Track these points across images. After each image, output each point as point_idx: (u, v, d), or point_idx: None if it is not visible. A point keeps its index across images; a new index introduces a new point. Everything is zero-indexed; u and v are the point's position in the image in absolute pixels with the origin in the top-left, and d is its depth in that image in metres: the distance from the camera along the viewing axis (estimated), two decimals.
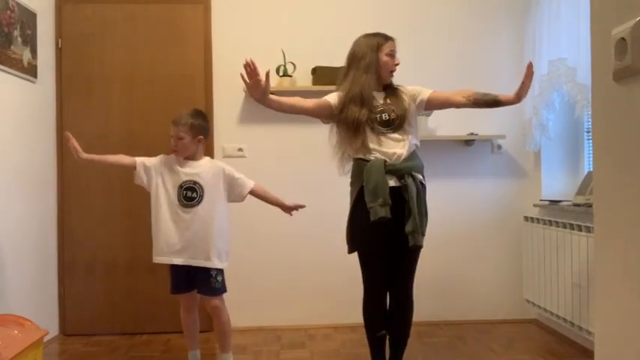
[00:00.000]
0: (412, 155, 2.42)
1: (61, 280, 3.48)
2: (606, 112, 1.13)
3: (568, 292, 2.96)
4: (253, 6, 3.62)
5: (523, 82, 2.35)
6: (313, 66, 3.53)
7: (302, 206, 2.74)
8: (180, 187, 2.59)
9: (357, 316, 2.68)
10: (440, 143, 3.62)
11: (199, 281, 2.63)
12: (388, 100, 2.46)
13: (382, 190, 2.28)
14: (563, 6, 3.10)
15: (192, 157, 2.66)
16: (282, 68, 3.51)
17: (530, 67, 2.34)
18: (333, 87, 3.05)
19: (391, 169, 2.34)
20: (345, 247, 2.49)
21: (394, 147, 2.38)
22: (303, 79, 3.58)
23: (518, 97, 2.38)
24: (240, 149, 3.59)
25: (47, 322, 3.19)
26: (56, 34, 3.49)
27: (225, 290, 2.68)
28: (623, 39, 1.04)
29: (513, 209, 3.67)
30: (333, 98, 2.47)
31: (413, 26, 3.63)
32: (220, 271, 2.64)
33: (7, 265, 2.89)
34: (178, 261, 2.58)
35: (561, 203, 3.22)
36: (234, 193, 2.70)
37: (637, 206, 1.03)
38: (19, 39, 3.02)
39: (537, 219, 3.33)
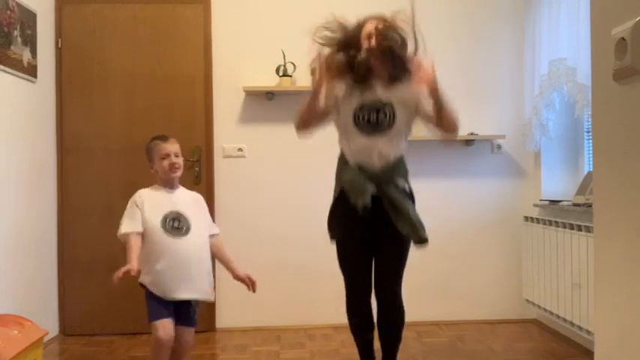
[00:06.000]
0: (397, 162, 2.21)
1: (61, 279, 3.47)
2: (606, 112, 1.13)
3: (568, 292, 2.96)
4: (253, 6, 3.62)
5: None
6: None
7: (250, 283, 2.43)
8: (165, 218, 2.34)
9: None
10: (440, 143, 3.62)
11: (180, 312, 2.38)
12: (387, 92, 2.18)
13: (359, 186, 2.14)
14: (563, 6, 3.10)
15: (172, 185, 2.43)
16: (282, 68, 3.51)
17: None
18: None
19: (371, 176, 2.15)
20: None
21: (380, 149, 2.17)
22: (303, 79, 3.58)
23: None
24: (240, 149, 3.59)
25: (47, 322, 3.19)
26: (56, 34, 3.49)
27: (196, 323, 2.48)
28: (623, 39, 1.04)
29: (513, 209, 3.66)
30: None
31: None
32: (197, 302, 2.44)
33: (7, 265, 2.89)
34: (183, 296, 2.33)
35: (561, 203, 3.22)
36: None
37: (637, 206, 1.03)
38: (19, 39, 3.02)
39: (537, 219, 3.33)
